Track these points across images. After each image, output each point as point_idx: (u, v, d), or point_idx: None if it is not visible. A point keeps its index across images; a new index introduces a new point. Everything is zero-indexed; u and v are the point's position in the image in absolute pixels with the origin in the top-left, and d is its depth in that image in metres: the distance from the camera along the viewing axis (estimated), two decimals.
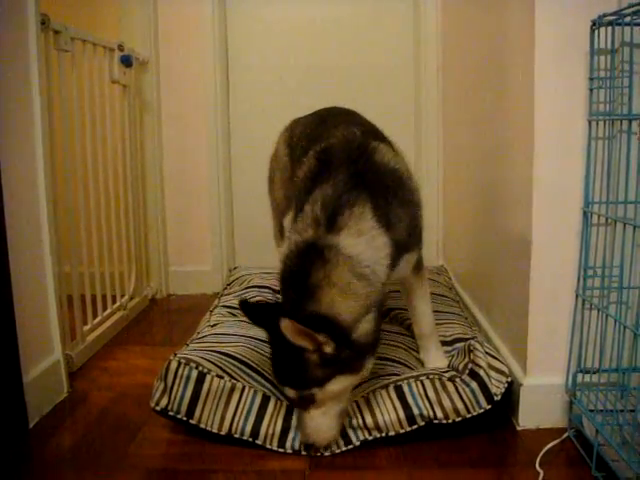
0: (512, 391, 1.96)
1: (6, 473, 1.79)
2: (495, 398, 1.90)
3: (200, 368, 1.97)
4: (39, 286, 2.19)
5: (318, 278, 1.68)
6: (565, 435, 1.89)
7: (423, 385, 1.94)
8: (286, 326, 1.59)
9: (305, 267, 1.70)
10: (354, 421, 1.89)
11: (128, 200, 3.20)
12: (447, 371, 2.01)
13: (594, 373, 1.86)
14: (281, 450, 1.87)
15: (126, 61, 3.06)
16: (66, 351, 2.36)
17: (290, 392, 1.74)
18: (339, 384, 1.71)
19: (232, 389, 1.94)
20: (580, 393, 1.86)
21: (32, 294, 2.14)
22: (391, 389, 1.94)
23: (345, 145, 1.93)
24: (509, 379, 1.92)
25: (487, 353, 1.97)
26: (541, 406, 1.95)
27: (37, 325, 2.17)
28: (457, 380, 1.94)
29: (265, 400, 1.94)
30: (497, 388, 1.91)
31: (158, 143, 3.48)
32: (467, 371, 1.95)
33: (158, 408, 1.96)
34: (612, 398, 1.81)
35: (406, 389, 1.93)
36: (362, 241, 1.73)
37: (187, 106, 3.50)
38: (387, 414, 1.90)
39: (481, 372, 1.92)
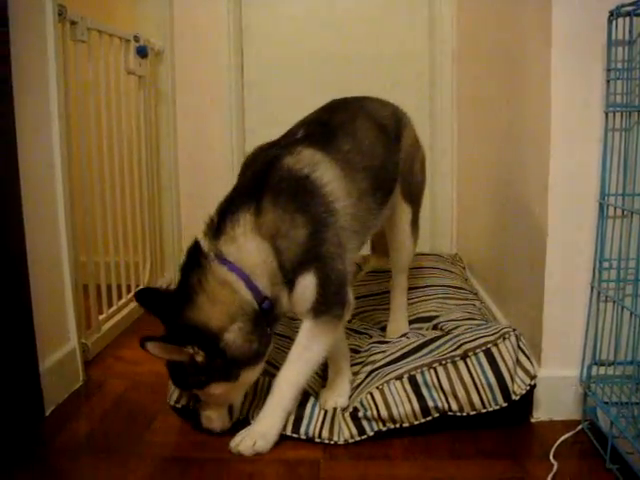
0: (532, 392, 1.94)
1: (22, 460, 1.80)
2: (513, 397, 1.88)
3: None
4: (56, 276, 2.21)
5: (193, 283, 1.73)
6: (579, 427, 1.89)
7: (437, 373, 1.91)
8: (152, 348, 1.65)
9: (187, 270, 1.76)
10: (368, 412, 1.89)
11: (143, 191, 3.21)
12: (458, 347, 1.97)
13: (609, 365, 1.86)
14: (295, 435, 1.88)
15: (142, 52, 3.06)
16: (82, 340, 2.37)
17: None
18: (216, 390, 1.75)
19: None
20: (595, 385, 1.85)
21: (49, 283, 2.15)
22: (405, 380, 1.92)
23: (265, 152, 1.94)
24: (533, 382, 1.89)
25: (520, 348, 1.93)
26: (555, 398, 1.95)
27: (53, 314, 2.19)
28: (470, 357, 1.91)
29: None
30: (519, 387, 1.88)
31: (173, 133, 3.49)
32: (483, 348, 1.92)
33: (179, 405, 1.97)
34: (627, 390, 1.80)
35: (420, 379, 1.92)
36: (235, 248, 1.74)
37: (202, 97, 3.50)
38: (402, 406, 1.89)
39: (501, 365, 1.89)
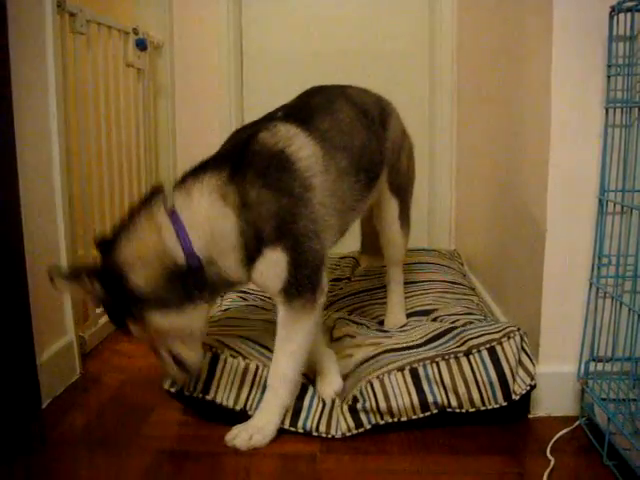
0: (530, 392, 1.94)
1: (19, 453, 1.80)
2: (513, 397, 1.88)
3: (213, 350, 1.99)
4: None
5: (131, 217, 1.73)
6: (577, 423, 1.89)
7: (439, 368, 1.91)
8: (57, 285, 1.68)
9: (136, 206, 1.76)
10: (367, 404, 1.89)
11: (141, 184, 3.20)
12: (463, 343, 1.97)
13: (607, 362, 1.86)
14: (292, 429, 1.88)
15: (141, 45, 3.05)
16: (79, 333, 2.37)
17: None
18: (134, 330, 1.72)
19: (246, 368, 1.96)
20: (592, 381, 1.85)
21: (46, 277, 2.14)
22: (407, 372, 1.92)
23: (243, 129, 1.97)
24: (533, 382, 1.89)
25: (523, 349, 1.93)
26: (553, 394, 1.95)
27: (50, 307, 2.19)
28: (473, 354, 1.91)
29: None
30: (519, 387, 1.89)
31: (172, 126, 3.48)
32: (487, 346, 1.92)
33: (173, 390, 1.97)
34: (624, 387, 1.80)
35: (422, 372, 1.91)
36: (186, 201, 1.73)
37: (201, 90, 3.50)
38: (401, 398, 1.89)
39: (504, 363, 1.89)
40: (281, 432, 1.87)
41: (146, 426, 1.95)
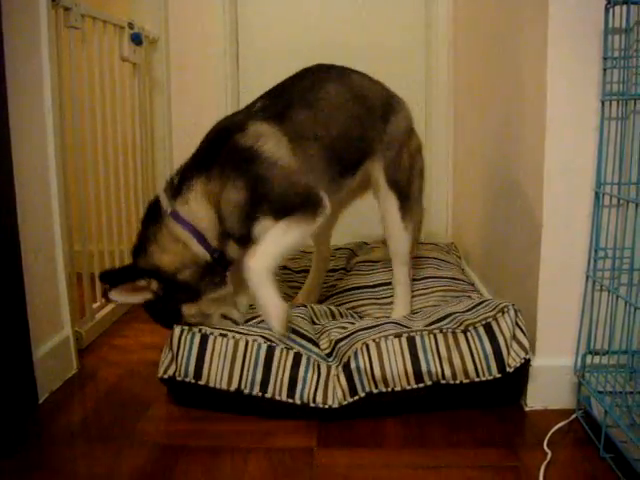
0: (525, 371, 1.95)
1: (16, 448, 1.80)
2: (507, 369, 1.91)
3: (203, 331, 2.01)
4: (49, 264, 2.20)
5: (149, 236, 2.02)
6: (573, 416, 1.89)
7: (436, 339, 1.95)
8: (115, 294, 1.98)
9: (145, 224, 2.05)
10: (361, 364, 1.92)
11: (137, 179, 3.20)
12: (461, 324, 2.00)
13: (603, 355, 1.86)
14: (290, 401, 1.91)
15: (136, 39, 3.04)
16: (75, 328, 2.37)
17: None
18: (190, 310, 2.03)
19: (236, 344, 1.98)
20: (589, 374, 1.86)
21: (42, 272, 2.14)
22: (404, 339, 1.96)
23: (220, 125, 2.15)
24: (527, 356, 1.92)
25: (517, 324, 1.96)
26: (550, 387, 1.95)
27: (47, 302, 2.18)
28: (470, 331, 1.95)
29: (270, 350, 1.97)
30: (513, 360, 1.92)
31: (168, 121, 3.48)
32: (483, 322, 1.96)
33: (166, 376, 1.99)
34: (621, 380, 1.81)
35: (418, 341, 1.95)
36: (188, 210, 1.99)
37: (197, 84, 3.49)
38: (395, 364, 1.92)
39: (499, 337, 1.93)
40: (277, 426, 1.89)
41: (143, 421, 1.95)
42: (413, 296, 2.52)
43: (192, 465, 1.73)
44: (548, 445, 1.76)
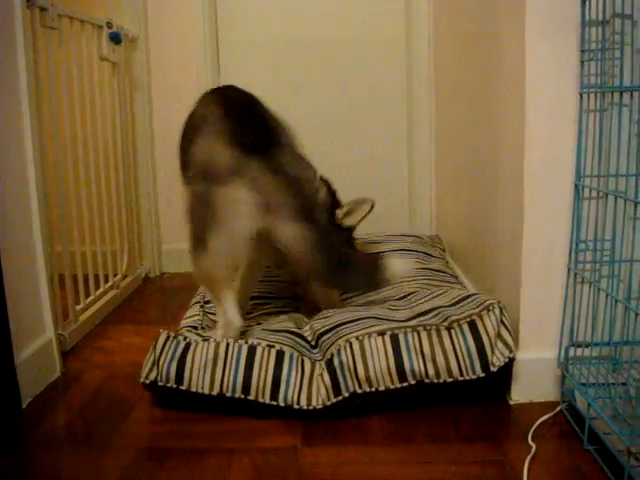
0: (510, 369, 1.96)
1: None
2: (491, 368, 1.90)
3: (187, 339, 2.01)
4: (30, 266, 2.18)
5: None
6: (557, 409, 1.90)
7: (419, 337, 1.94)
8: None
9: None
10: (344, 361, 1.91)
11: (119, 178, 3.18)
12: (445, 319, 1.99)
13: (586, 347, 1.86)
14: (274, 403, 1.90)
15: (115, 38, 3.03)
16: (59, 331, 2.36)
17: None
18: None
19: (217, 347, 1.97)
20: (572, 367, 1.86)
21: (23, 274, 2.13)
22: (387, 337, 1.94)
23: None
24: (512, 355, 1.91)
25: (502, 322, 1.95)
26: (533, 380, 1.96)
27: (28, 305, 2.17)
28: (454, 328, 1.94)
29: (251, 350, 1.96)
30: (497, 359, 1.91)
31: (149, 120, 3.46)
32: (468, 320, 1.95)
33: (147, 381, 1.98)
34: (604, 371, 1.81)
35: (402, 339, 1.93)
36: None
37: (178, 83, 3.47)
38: (378, 363, 1.90)
39: (483, 335, 1.92)
40: (261, 425, 1.89)
41: (127, 423, 1.94)
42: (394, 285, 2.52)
43: (176, 466, 1.72)
44: (532, 438, 1.76)
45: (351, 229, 2.55)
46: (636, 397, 1.71)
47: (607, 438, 1.61)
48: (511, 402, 1.97)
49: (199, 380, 1.94)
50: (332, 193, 2.53)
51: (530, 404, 1.96)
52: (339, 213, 2.52)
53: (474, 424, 1.88)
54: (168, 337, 2.01)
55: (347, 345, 1.94)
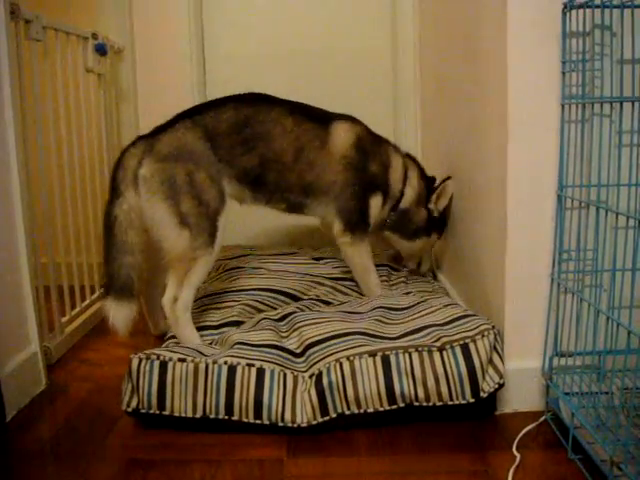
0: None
1: None
2: (481, 394, 1.89)
3: (161, 358, 1.97)
4: (14, 278, 2.17)
5: None
6: (542, 418, 1.90)
7: (411, 359, 1.92)
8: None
9: None
10: (334, 381, 1.89)
11: (105, 190, 3.17)
12: (438, 339, 1.97)
13: (570, 356, 1.87)
14: (258, 422, 1.89)
15: (100, 50, 3.02)
16: (44, 343, 2.34)
17: None
18: None
19: (196, 369, 1.94)
20: (556, 376, 1.87)
21: (7, 286, 2.12)
22: (378, 358, 1.92)
23: None
24: (502, 381, 1.90)
25: (495, 348, 1.94)
26: (518, 390, 1.96)
27: (13, 317, 2.16)
28: (447, 350, 1.92)
29: (232, 370, 1.94)
30: (488, 385, 1.90)
31: (135, 131, 3.44)
32: (461, 342, 1.93)
33: (129, 409, 1.96)
34: (588, 381, 1.82)
35: (393, 361, 1.92)
36: None
37: (164, 94, 3.45)
38: (368, 385, 1.89)
39: (475, 361, 1.90)
40: (246, 437, 1.88)
41: (112, 435, 1.94)
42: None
43: (160, 478, 1.72)
44: (517, 448, 1.77)
45: (445, 212, 2.77)
46: (620, 406, 1.72)
47: (591, 448, 1.62)
48: (496, 412, 1.98)
49: (181, 404, 1.92)
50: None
51: (515, 414, 1.96)
52: (433, 198, 2.71)
53: (459, 434, 1.88)
54: (140, 360, 1.97)
55: (337, 365, 1.92)
